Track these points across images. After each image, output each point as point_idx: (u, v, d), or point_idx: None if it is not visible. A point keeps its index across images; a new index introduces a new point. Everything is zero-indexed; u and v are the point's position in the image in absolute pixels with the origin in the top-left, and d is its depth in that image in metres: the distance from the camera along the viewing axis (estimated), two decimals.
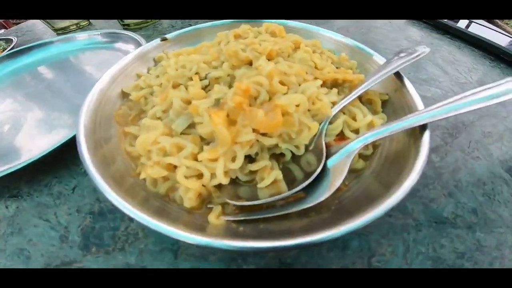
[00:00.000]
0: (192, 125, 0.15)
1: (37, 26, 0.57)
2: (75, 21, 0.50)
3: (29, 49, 0.37)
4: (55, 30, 0.50)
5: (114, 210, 0.19)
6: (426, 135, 0.16)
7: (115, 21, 0.48)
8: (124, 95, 0.21)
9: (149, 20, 0.45)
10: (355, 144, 0.15)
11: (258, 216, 0.14)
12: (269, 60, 0.18)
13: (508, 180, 0.22)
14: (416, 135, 0.16)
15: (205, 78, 0.18)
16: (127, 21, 0.44)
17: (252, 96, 0.15)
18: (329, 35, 0.26)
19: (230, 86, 0.17)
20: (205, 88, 0.18)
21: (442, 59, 0.36)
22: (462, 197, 0.20)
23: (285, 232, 0.13)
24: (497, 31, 0.43)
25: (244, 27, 0.23)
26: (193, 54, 0.20)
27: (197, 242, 0.12)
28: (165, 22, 0.46)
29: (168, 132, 0.16)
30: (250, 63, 0.18)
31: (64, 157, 0.22)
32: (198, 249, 0.17)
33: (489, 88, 0.18)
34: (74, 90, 0.29)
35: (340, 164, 0.15)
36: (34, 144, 0.23)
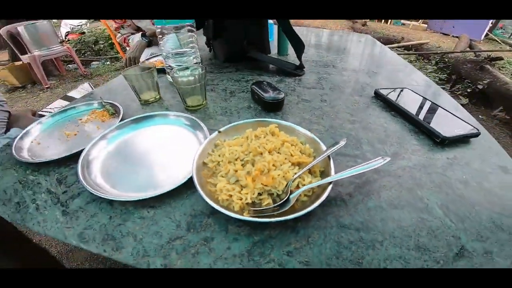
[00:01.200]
0: (237, 181, 0.41)
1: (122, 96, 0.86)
2: (153, 95, 0.78)
3: (140, 119, 0.66)
4: (140, 100, 0.79)
5: (200, 214, 0.44)
6: (329, 187, 0.41)
7: (179, 100, 0.77)
8: (204, 164, 0.48)
9: (201, 105, 0.73)
10: (300, 190, 0.40)
11: (261, 215, 0.39)
12: (269, 152, 0.45)
13: (385, 208, 0.44)
14: (327, 187, 0.41)
15: (242, 160, 0.45)
16: (188, 104, 0.72)
17: (261, 170, 0.41)
18: (303, 132, 0.53)
19: (253, 164, 0.43)
20: (242, 164, 0.44)
21: (377, 137, 0.61)
22: (356, 215, 0.43)
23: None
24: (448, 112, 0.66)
25: (260, 129, 0.50)
26: (235, 146, 0.47)
27: (241, 218, 0.37)
28: (211, 107, 0.74)
29: (228, 183, 0.41)
30: (261, 153, 0.45)
31: (175, 190, 0.47)
32: (236, 229, 0.41)
33: (366, 162, 0.43)
34: (174, 154, 0.56)
35: (294, 197, 0.40)
36: (158, 181, 0.49)
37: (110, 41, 5.15)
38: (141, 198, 0.45)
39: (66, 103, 1.13)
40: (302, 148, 0.49)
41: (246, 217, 0.38)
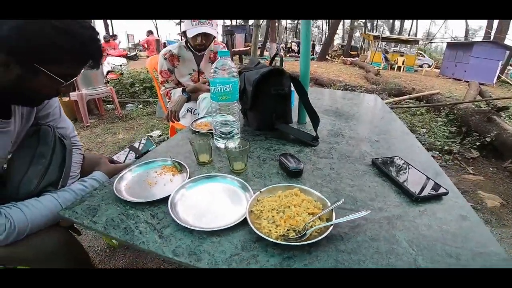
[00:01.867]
0: (274, 222, 0.71)
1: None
2: (208, 157, 1.07)
3: (208, 176, 0.96)
4: (198, 161, 1.06)
5: (249, 240, 0.71)
6: (331, 227, 0.69)
7: (226, 163, 1.06)
8: (251, 211, 0.78)
9: (243, 169, 1.02)
10: (313, 229, 0.69)
11: (289, 242, 0.67)
12: (294, 206, 0.75)
13: (368, 241, 0.70)
14: (330, 227, 0.69)
15: (277, 210, 0.74)
16: (234, 168, 1.01)
17: (289, 216, 0.71)
18: (316, 193, 0.83)
19: (283, 213, 0.73)
20: (277, 212, 0.74)
21: (369, 196, 0.89)
22: (349, 244, 0.69)
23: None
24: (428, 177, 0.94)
25: (287, 191, 0.81)
26: (272, 201, 0.77)
27: (276, 242, 0.66)
28: (250, 172, 1.03)
29: (268, 223, 0.71)
30: (289, 207, 0.75)
31: (233, 226, 0.75)
32: (273, 250, 0.68)
33: (356, 213, 0.71)
34: (230, 202, 0.86)
35: (309, 233, 0.69)
36: (221, 219, 0.78)
37: (144, 85, 5.72)
38: (212, 229, 0.73)
39: (131, 152, 1.47)
40: (315, 204, 0.79)
41: (279, 241, 0.66)
